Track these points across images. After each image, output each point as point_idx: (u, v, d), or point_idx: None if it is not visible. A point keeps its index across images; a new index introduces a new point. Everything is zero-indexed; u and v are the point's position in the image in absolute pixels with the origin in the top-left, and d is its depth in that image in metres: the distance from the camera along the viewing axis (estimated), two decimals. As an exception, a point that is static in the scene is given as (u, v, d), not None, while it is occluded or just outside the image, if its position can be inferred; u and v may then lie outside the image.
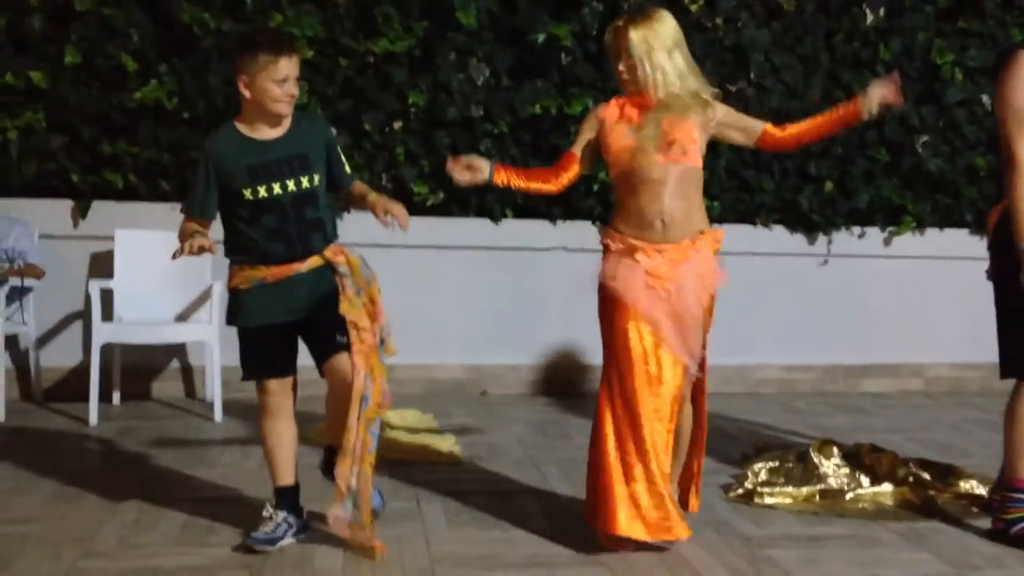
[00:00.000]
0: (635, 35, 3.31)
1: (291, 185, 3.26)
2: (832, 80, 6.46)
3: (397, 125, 5.98)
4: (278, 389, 3.37)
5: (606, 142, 3.42)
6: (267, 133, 3.29)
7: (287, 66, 3.19)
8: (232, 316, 3.39)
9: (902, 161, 6.56)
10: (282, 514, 3.39)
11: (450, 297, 6.19)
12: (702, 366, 3.52)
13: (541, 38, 5.99)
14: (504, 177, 3.42)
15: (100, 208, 5.79)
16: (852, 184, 6.53)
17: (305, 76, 5.73)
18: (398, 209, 3.28)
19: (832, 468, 4.24)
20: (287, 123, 3.32)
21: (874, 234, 6.68)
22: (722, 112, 3.48)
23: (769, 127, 3.52)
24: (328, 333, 3.30)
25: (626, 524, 3.30)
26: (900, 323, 6.65)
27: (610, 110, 3.46)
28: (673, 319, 3.35)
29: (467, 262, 6.21)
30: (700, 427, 3.62)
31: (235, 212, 3.28)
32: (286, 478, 3.44)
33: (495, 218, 6.18)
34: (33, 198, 5.72)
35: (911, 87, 6.53)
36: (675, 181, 3.34)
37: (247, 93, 3.23)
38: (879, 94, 3.41)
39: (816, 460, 4.29)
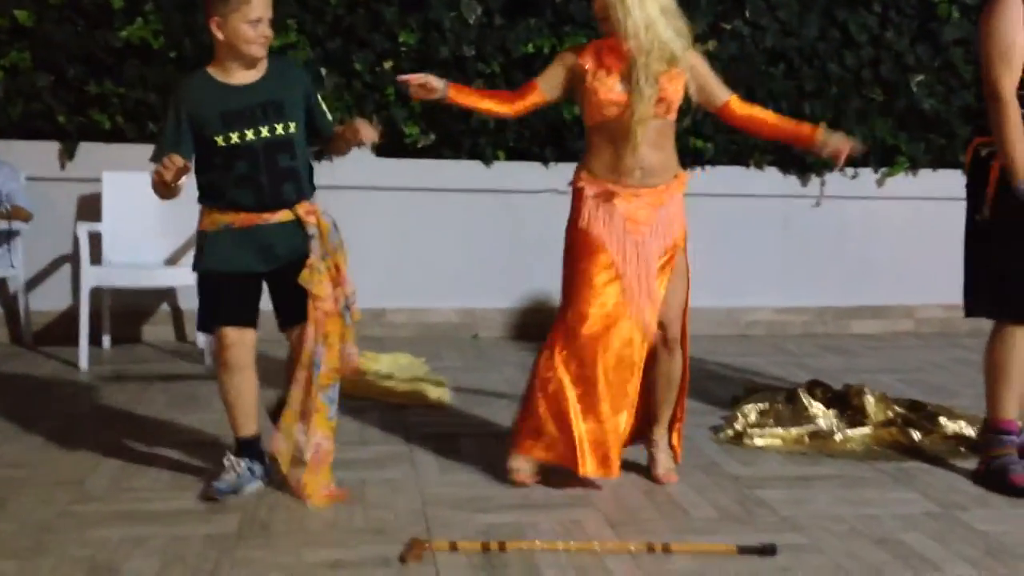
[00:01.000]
0: None
1: (264, 131, 3.19)
2: (828, 18, 6.38)
3: (388, 65, 5.90)
4: (237, 340, 3.28)
5: (590, 91, 3.35)
6: (241, 78, 3.21)
7: (260, 6, 3.11)
8: (197, 261, 3.32)
9: (896, 101, 6.51)
10: (243, 462, 3.36)
11: (442, 240, 6.17)
12: (684, 313, 3.52)
13: (534, -24, 5.90)
14: (459, 95, 3.39)
15: (87, 149, 5.73)
16: (846, 124, 6.45)
17: (294, 15, 5.68)
18: (363, 127, 3.23)
19: (821, 409, 4.26)
20: (262, 67, 3.25)
21: (867, 175, 6.64)
22: (699, 64, 3.45)
23: (734, 100, 3.50)
24: (294, 299, 3.24)
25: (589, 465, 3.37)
26: (891, 264, 6.64)
27: (588, 56, 3.38)
28: (643, 268, 3.35)
29: (458, 205, 6.18)
30: (683, 373, 3.62)
31: (207, 158, 3.22)
32: (248, 429, 3.39)
33: (487, 160, 6.13)
34: (19, 140, 5.66)
35: (907, 25, 6.46)
36: (655, 133, 3.34)
37: (220, 35, 3.15)
38: (835, 145, 3.45)
39: (805, 402, 4.31)
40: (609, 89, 3.31)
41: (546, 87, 3.43)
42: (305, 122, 3.33)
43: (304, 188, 3.32)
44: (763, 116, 3.54)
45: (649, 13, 3.24)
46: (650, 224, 3.37)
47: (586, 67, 3.36)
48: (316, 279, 3.23)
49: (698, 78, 3.45)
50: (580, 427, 3.37)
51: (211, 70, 3.25)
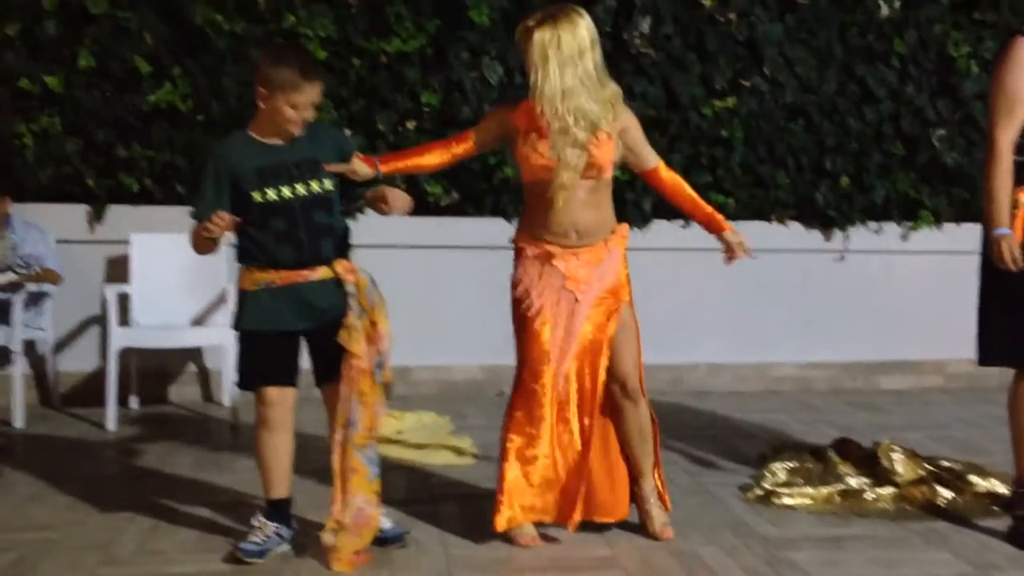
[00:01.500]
0: (536, 38, 3.24)
1: (300, 189, 3.23)
2: (846, 73, 6.42)
3: (410, 125, 5.97)
4: (278, 400, 3.30)
5: (521, 152, 3.36)
6: (278, 139, 3.26)
7: (308, 94, 3.15)
8: (237, 320, 3.34)
9: (918, 155, 6.51)
10: (273, 525, 3.36)
11: (465, 297, 6.18)
12: (639, 363, 3.55)
13: (554, 36, 5.96)
14: (388, 165, 3.43)
15: (115, 212, 5.81)
16: (868, 179, 6.48)
17: (318, 78, 5.75)
18: (394, 200, 3.27)
19: (851, 467, 4.21)
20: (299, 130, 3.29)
21: (891, 229, 6.63)
22: (631, 126, 3.44)
23: (661, 167, 3.54)
24: (331, 357, 3.27)
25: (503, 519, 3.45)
26: (918, 319, 6.60)
27: (521, 115, 3.37)
28: (567, 324, 3.40)
29: (481, 262, 6.19)
30: (652, 420, 3.61)
31: (245, 216, 3.24)
32: (280, 491, 3.39)
33: (509, 217, 6.17)
34: (49, 203, 5.74)
35: (926, 80, 6.48)
36: (588, 194, 3.36)
37: (263, 105, 3.20)
38: (736, 243, 3.61)
39: (834, 460, 4.27)
40: (540, 154, 3.32)
41: (478, 139, 3.48)
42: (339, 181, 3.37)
43: (341, 246, 3.36)
44: (685, 191, 3.58)
45: (567, 82, 3.23)
46: (589, 282, 3.41)
47: (519, 128, 3.37)
48: (354, 337, 3.25)
49: (628, 142, 3.45)
50: (557, 474, 3.45)
51: (250, 130, 3.29)
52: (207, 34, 5.68)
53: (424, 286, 6.08)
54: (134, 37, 5.66)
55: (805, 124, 6.39)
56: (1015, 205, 3.49)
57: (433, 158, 3.52)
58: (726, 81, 6.21)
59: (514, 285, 3.51)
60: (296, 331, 3.32)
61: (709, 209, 3.61)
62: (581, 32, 3.27)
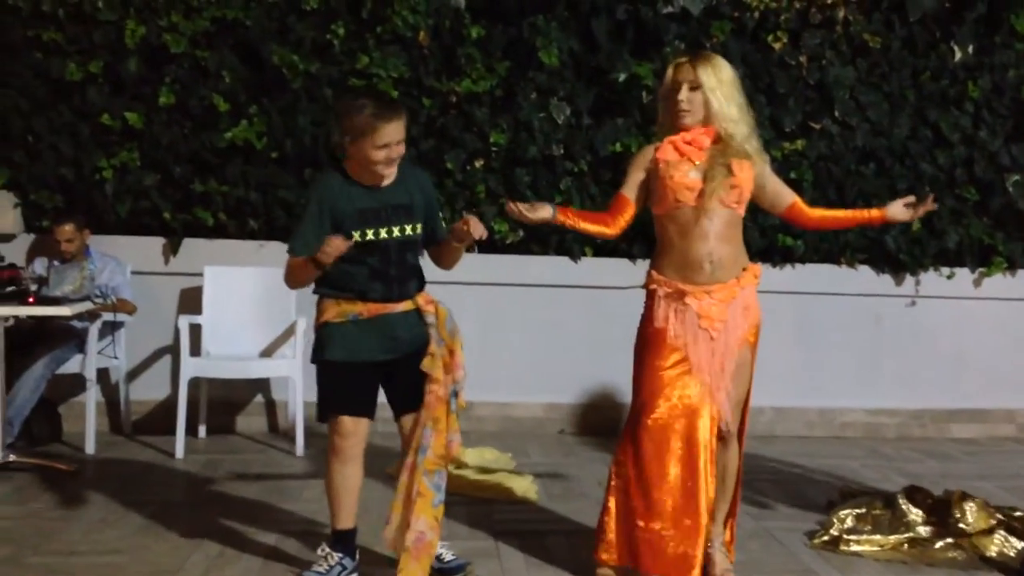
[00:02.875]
0: (703, 68, 3.33)
1: (396, 231, 3.32)
2: (919, 118, 6.35)
3: (478, 164, 6.04)
4: (353, 431, 3.35)
5: (665, 179, 3.37)
6: (373, 181, 3.33)
7: (390, 132, 3.20)
8: (319, 351, 3.38)
9: (992, 200, 6.40)
10: (337, 555, 3.41)
11: (529, 335, 6.20)
12: (745, 406, 3.49)
13: (622, 77, 6.01)
14: (565, 217, 3.43)
15: (190, 245, 5.94)
16: (940, 224, 6.38)
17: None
18: (474, 223, 3.29)
19: (921, 516, 4.12)
20: (394, 172, 3.35)
21: (963, 275, 6.51)
22: (767, 170, 3.49)
23: (799, 201, 3.55)
24: (411, 387, 3.34)
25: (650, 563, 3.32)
26: (990, 366, 6.46)
27: (665, 150, 3.42)
28: (718, 364, 3.35)
29: (547, 300, 6.22)
30: (738, 468, 3.56)
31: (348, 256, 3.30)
32: (347, 522, 3.43)
33: (574, 256, 6.18)
34: (127, 235, 5.90)
35: (1000, 125, 6.39)
36: (724, 225, 3.36)
37: (350, 151, 3.28)
38: (904, 212, 3.50)
39: (904, 507, 4.17)
40: (684, 174, 3.34)
41: (634, 193, 3.49)
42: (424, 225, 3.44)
43: (422, 283, 3.46)
44: (830, 214, 3.65)
45: (741, 101, 3.38)
46: (723, 320, 3.35)
47: (660, 158, 3.40)
48: (436, 364, 3.33)
49: (773, 183, 3.50)
50: (648, 526, 3.32)
51: (348, 170, 3.34)
52: (283, 74, 5.82)
53: (488, 323, 6.11)
54: (212, 76, 5.82)
55: (876, 168, 6.33)
56: None
57: (604, 230, 3.51)
58: (796, 123, 6.18)
59: (646, 320, 3.46)
60: (378, 363, 3.36)
61: (864, 214, 3.59)
62: (731, 67, 3.42)
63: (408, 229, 3.35)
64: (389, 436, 5.73)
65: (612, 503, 3.42)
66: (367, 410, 3.39)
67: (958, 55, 6.32)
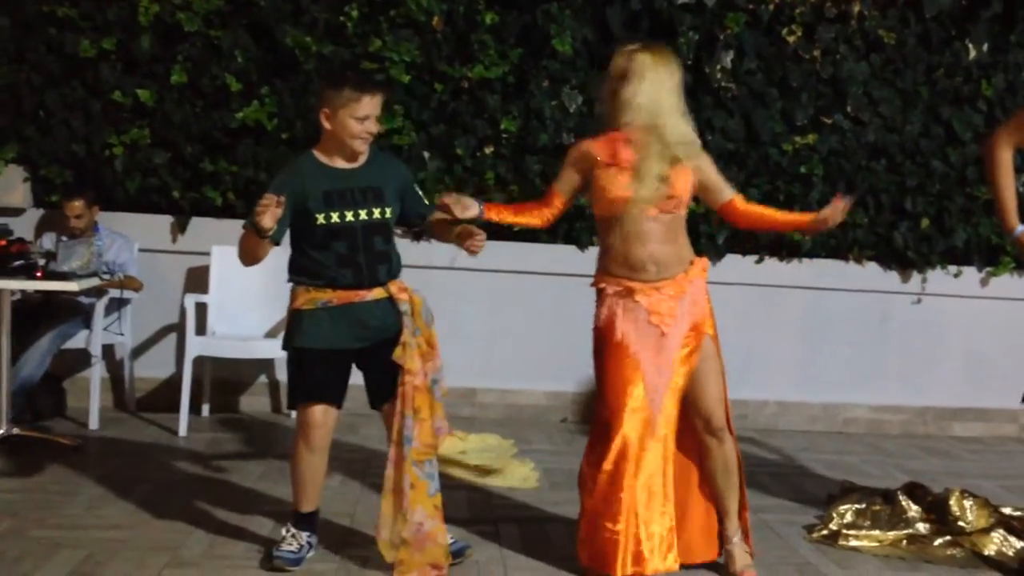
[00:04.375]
0: (639, 57, 3.32)
1: (363, 214, 3.31)
2: (932, 115, 6.33)
3: (488, 150, 6.03)
4: (322, 421, 3.34)
5: (599, 185, 3.37)
6: (344, 164, 3.36)
7: (369, 105, 3.26)
8: (289, 339, 3.39)
9: (1003, 200, 6.38)
10: (304, 535, 3.44)
11: (534, 323, 6.21)
12: (722, 399, 3.47)
13: (635, 67, 5.99)
14: (495, 214, 3.46)
15: (198, 224, 5.95)
16: (950, 222, 6.37)
17: (400, 100, 5.86)
18: (472, 242, 3.34)
19: (920, 513, 4.12)
20: (364, 157, 3.38)
21: (971, 274, 6.50)
22: (706, 164, 3.46)
23: (737, 199, 3.52)
24: (387, 377, 3.33)
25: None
26: (995, 366, 6.45)
27: (600, 148, 3.40)
28: (665, 360, 3.34)
29: (552, 288, 6.22)
30: (737, 458, 3.54)
31: (306, 236, 3.33)
32: (311, 505, 3.46)
33: (582, 245, 6.18)
34: (135, 212, 5.91)
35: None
36: (664, 228, 3.36)
37: (327, 125, 3.30)
38: (828, 216, 3.40)
39: (904, 504, 4.18)
40: (618, 185, 3.32)
41: (565, 191, 3.50)
42: (400, 210, 3.45)
43: (394, 270, 3.43)
44: (765, 214, 3.59)
45: (666, 100, 3.32)
46: (674, 316, 3.36)
47: (598, 159, 3.39)
48: (408, 354, 3.30)
49: (704, 178, 3.46)
50: (617, 526, 3.30)
51: (317, 153, 3.38)
52: (295, 55, 5.82)
53: (493, 310, 6.11)
54: (225, 56, 5.82)
55: (887, 164, 6.31)
56: None
57: (533, 220, 3.55)
58: (807, 118, 6.16)
59: (597, 322, 3.48)
60: (350, 350, 3.36)
61: (793, 217, 3.62)
62: (676, 65, 3.40)
63: (376, 213, 3.33)
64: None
65: (584, 504, 3.43)
66: (336, 399, 3.38)
67: (972, 53, 6.30)
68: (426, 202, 3.57)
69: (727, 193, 3.51)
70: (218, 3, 5.78)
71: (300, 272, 3.37)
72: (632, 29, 6.05)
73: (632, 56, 3.34)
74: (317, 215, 3.28)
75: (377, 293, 3.35)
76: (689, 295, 3.39)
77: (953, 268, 6.47)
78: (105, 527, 3.74)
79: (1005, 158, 3.55)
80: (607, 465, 3.32)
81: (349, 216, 3.30)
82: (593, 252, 6.13)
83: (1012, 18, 6.31)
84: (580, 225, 6.10)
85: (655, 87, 3.30)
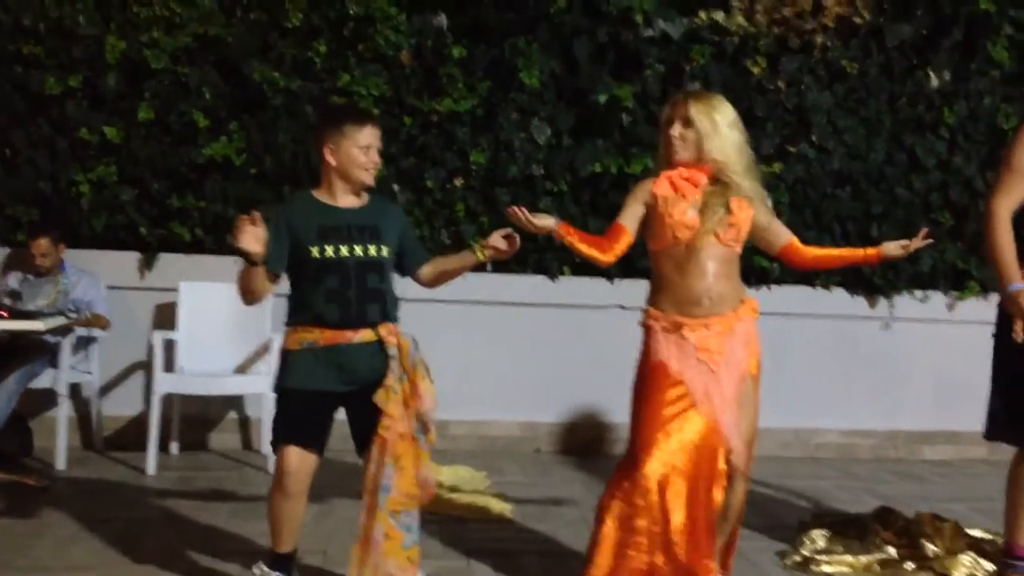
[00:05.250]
0: (697, 106, 3.32)
1: (358, 250, 3.27)
2: (895, 143, 6.42)
3: (458, 182, 6.06)
4: (299, 467, 3.24)
5: (661, 215, 3.35)
6: (344, 202, 3.32)
7: (371, 134, 3.29)
8: (277, 380, 3.36)
9: (966, 225, 6.47)
10: (276, 574, 3.37)
11: (507, 353, 6.21)
12: (751, 442, 3.42)
13: (603, 99, 6.05)
14: (566, 233, 3.36)
15: (166, 260, 5.92)
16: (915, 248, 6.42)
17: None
18: (513, 239, 3.30)
19: (892, 537, 4.14)
20: (364, 198, 3.37)
21: (937, 299, 6.57)
22: (766, 210, 3.48)
23: (795, 241, 3.54)
24: (372, 423, 3.24)
25: None
26: (963, 389, 6.47)
27: (662, 185, 3.40)
28: (719, 396, 3.30)
29: (524, 319, 6.23)
30: (742, 504, 3.52)
31: (299, 271, 3.29)
32: (287, 547, 3.38)
33: (552, 275, 6.20)
34: (102, 249, 5.87)
35: (976, 151, 6.46)
36: (721, 262, 3.34)
37: (332, 161, 3.27)
38: (898, 250, 3.50)
39: (875, 528, 4.20)
40: (682, 212, 3.32)
41: (632, 226, 3.43)
42: (397, 253, 3.41)
43: (388, 312, 3.35)
44: (824, 253, 3.65)
45: (739, 141, 3.36)
46: (722, 352, 3.31)
47: (658, 194, 3.38)
48: (391, 399, 3.23)
49: (771, 224, 3.49)
50: (644, 556, 3.25)
51: (316, 192, 3.36)
52: (263, 91, 5.83)
53: (465, 341, 6.11)
54: (193, 92, 5.82)
55: (852, 191, 6.39)
56: None
57: (600, 255, 3.42)
58: (773, 147, 6.23)
59: (645, 356, 3.40)
60: (335, 393, 3.30)
61: (859, 252, 3.60)
62: (731, 107, 3.40)
63: (372, 250, 3.29)
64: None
65: (602, 535, 3.33)
66: (314, 443, 3.28)
67: (934, 81, 6.40)
68: (425, 250, 3.55)
69: (785, 236, 3.53)
70: (185, 40, 5.79)
71: (292, 311, 3.33)
72: (599, 62, 6.11)
73: (686, 103, 3.34)
74: (311, 248, 3.24)
75: (365, 335, 3.26)
76: (740, 334, 3.35)
77: (920, 293, 6.54)
78: (73, 568, 3.69)
79: (1004, 217, 3.53)
80: (637, 499, 3.24)
81: (344, 251, 3.25)
82: (564, 282, 6.20)
83: (972, 46, 6.42)
84: (551, 255, 6.12)
85: (727, 129, 3.32)
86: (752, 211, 3.38)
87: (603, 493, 3.42)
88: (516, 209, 3.23)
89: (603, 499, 3.41)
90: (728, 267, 3.36)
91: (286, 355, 3.33)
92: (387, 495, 3.21)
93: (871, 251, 3.54)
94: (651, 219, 3.40)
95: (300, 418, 3.27)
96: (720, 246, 3.32)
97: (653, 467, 3.24)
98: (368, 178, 3.31)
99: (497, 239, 3.32)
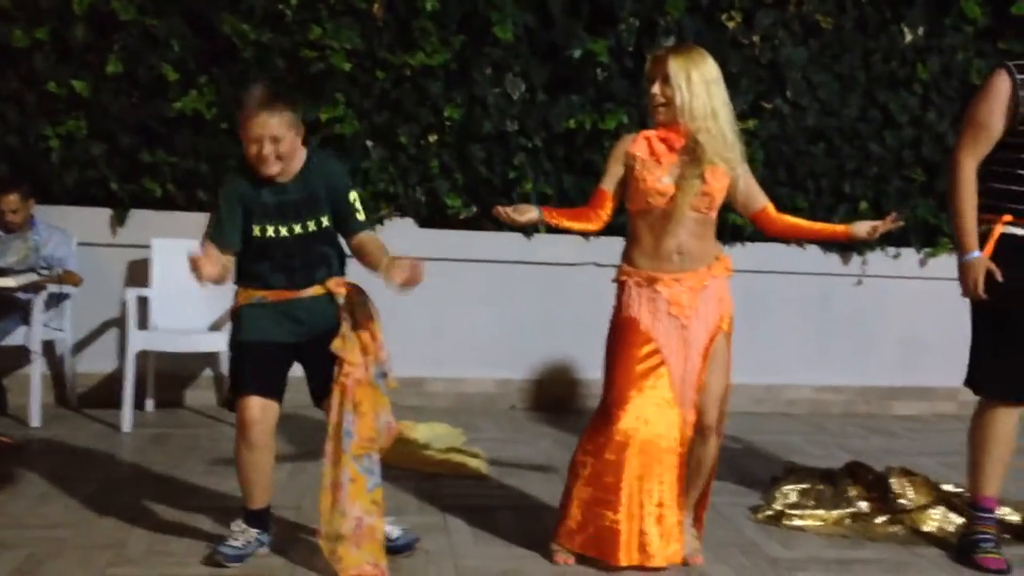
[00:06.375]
0: (675, 62, 3.29)
1: (298, 228, 3.26)
2: (868, 99, 6.43)
3: (432, 138, 6.01)
4: (259, 417, 3.25)
5: (638, 180, 3.36)
6: (281, 177, 3.25)
7: (259, 126, 3.11)
8: (232, 336, 3.37)
9: (938, 182, 6.50)
10: (253, 531, 3.38)
11: (482, 311, 6.21)
12: (723, 399, 3.45)
13: (577, 53, 6.01)
14: (551, 218, 3.40)
15: (138, 216, 5.86)
16: (888, 204, 6.47)
17: (342, 88, 5.81)
18: (413, 272, 3.10)
19: (862, 491, 4.20)
20: (297, 165, 3.27)
21: (909, 255, 6.63)
22: (743, 174, 3.45)
23: (769, 207, 3.51)
24: (326, 370, 3.26)
25: (624, 555, 3.33)
26: (933, 345, 6.58)
27: (639, 145, 3.40)
28: (690, 352, 3.35)
29: (499, 276, 6.23)
30: (715, 460, 3.55)
31: (246, 245, 3.28)
32: (260, 502, 3.39)
33: (527, 233, 6.19)
34: (73, 206, 5.81)
35: (948, 107, 6.48)
36: (695, 225, 3.35)
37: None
38: (867, 231, 3.43)
39: (846, 483, 4.26)
40: (656, 179, 3.32)
41: (612, 189, 3.44)
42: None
43: (335, 271, 3.36)
44: (798, 223, 3.61)
45: (715, 104, 3.30)
46: (693, 307, 3.35)
47: (636, 155, 3.38)
48: (348, 347, 3.26)
49: (749, 189, 3.47)
50: (616, 516, 3.32)
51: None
52: (234, 43, 5.74)
53: (440, 298, 6.10)
54: (162, 45, 5.73)
55: (826, 148, 6.40)
56: (988, 233, 3.56)
57: (589, 226, 3.46)
58: (747, 103, 6.22)
59: (618, 311, 3.43)
60: (287, 344, 3.31)
61: (829, 228, 3.60)
62: (713, 61, 3.36)
63: (311, 225, 3.26)
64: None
65: (576, 491, 3.41)
66: (272, 392, 3.29)
67: (908, 37, 6.40)
68: (359, 217, 3.36)
69: (760, 200, 3.51)
70: (154, -10, 5.69)
71: (239, 275, 3.34)
72: (573, 15, 6.06)
73: (665, 60, 3.31)
74: (254, 227, 3.24)
75: (314, 291, 3.30)
76: (712, 290, 3.38)
77: (892, 250, 6.58)
78: (47, 526, 3.68)
79: (968, 175, 3.54)
80: (609, 455, 3.31)
81: (283, 231, 3.24)
82: (538, 240, 6.19)
83: (946, 2, 6.42)
84: (525, 212, 6.10)
85: (704, 89, 3.28)
86: (727, 179, 3.37)
87: (576, 449, 3.47)
88: (500, 209, 3.27)
89: (576, 455, 3.46)
90: (702, 228, 3.38)
91: (237, 312, 3.34)
92: (350, 440, 3.24)
93: (840, 228, 3.53)
94: (628, 179, 3.41)
95: (256, 369, 3.28)
96: (692, 212, 3.33)
97: (627, 423, 3.30)
98: (264, 170, 3.17)
99: (401, 270, 3.08)
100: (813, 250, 6.50)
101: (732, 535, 3.86)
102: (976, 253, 3.53)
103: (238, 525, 3.39)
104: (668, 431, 3.34)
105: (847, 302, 6.59)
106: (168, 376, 5.86)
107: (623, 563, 3.32)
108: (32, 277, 5.17)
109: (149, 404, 5.72)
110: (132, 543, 3.52)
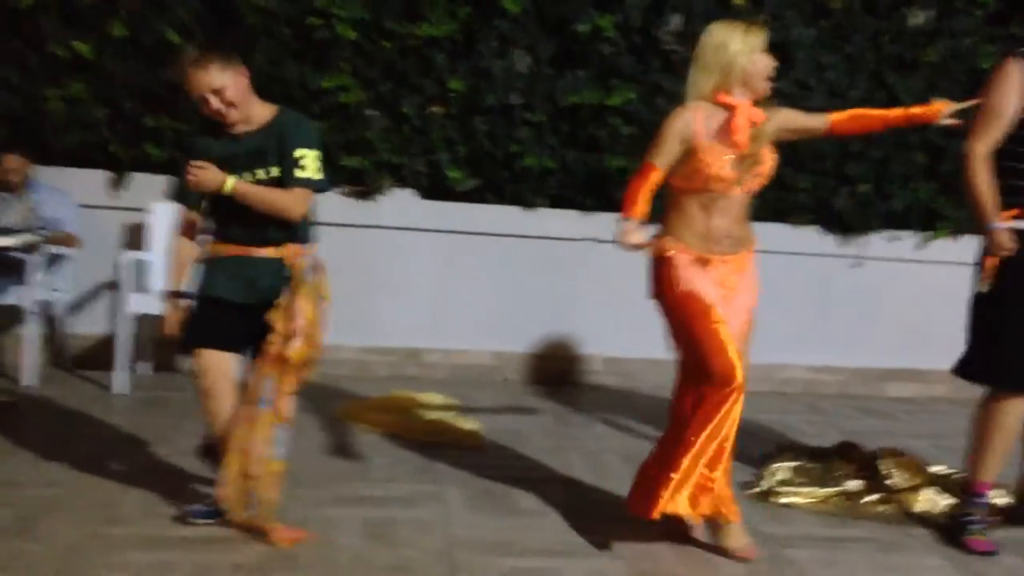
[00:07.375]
0: (761, 34, 3.30)
1: (246, 176, 3.29)
2: (876, 81, 6.40)
3: (436, 109, 5.99)
4: (212, 365, 3.31)
5: (702, 163, 3.27)
6: (239, 128, 3.33)
7: (199, 82, 3.22)
8: (195, 288, 3.43)
9: (940, 165, 6.49)
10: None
11: (481, 284, 6.22)
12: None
13: (584, 28, 5.98)
14: (640, 215, 3.33)
15: (138, 180, 5.86)
16: (888, 187, 6.47)
17: (347, 58, 5.79)
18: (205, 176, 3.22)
19: (852, 470, 4.22)
20: (261, 120, 3.34)
21: (909, 238, 6.62)
22: (788, 116, 3.46)
23: (833, 119, 3.50)
24: (264, 336, 3.30)
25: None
26: (930, 328, 6.57)
27: (700, 123, 3.30)
28: (737, 330, 3.39)
29: (498, 249, 6.23)
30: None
31: (207, 196, 3.35)
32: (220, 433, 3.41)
33: (527, 205, 6.18)
34: (73, 167, 5.80)
35: (953, 91, 6.44)
36: (742, 207, 3.37)
37: None
38: (949, 115, 3.47)
39: (837, 462, 4.28)
40: (722, 166, 3.27)
41: (663, 164, 3.32)
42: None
43: (292, 232, 3.37)
44: (869, 115, 3.56)
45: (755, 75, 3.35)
46: (737, 289, 3.39)
47: (699, 133, 3.29)
48: (280, 317, 3.30)
49: (793, 127, 3.48)
50: (714, 473, 3.38)
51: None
52: (239, 10, 5.71)
53: (439, 270, 6.11)
54: (167, 9, 5.70)
55: (830, 129, 6.37)
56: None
57: (647, 206, 3.36)
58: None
59: (670, 286, 3.37)
60: (240, 305, 3.34)
61: (906, 113, 3.53)
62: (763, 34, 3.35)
63: (261, 174, 3.30)
64: (332, 377, 5.74)
65: (693, 445, 3.35)
66: (225, 344, 3.35)
67: (917, 19, 6.36)
68: (298, 174, 3.29)
69: (822, 121, 3.50)
70: (160, -46, 5.66)
71: (207, 230, 3.44)
72: (581, -11, 6.02)
73: (759, 29, 3.31)
74: None
75: (269, 251, 3.34)
76: (747, 272, 3.42)
77: (891, 232, 6.57)
78: (42, 485, 3.70)
79: (983, 158, 3.56)
80: (735, 411, 3.40)
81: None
82: (538, 213, 6.18)
83: (956, -15, 6.38)
84: (526, 187, 6.10)
85: (747, 58, 3.28)
86: (774, 156, 3.38)
87: (690, 418, 3.38)
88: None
89: (693, 441, 3.36)
90: (744, 210, 3.40)
91: (199, 266, 3.44)
92: (267, 408, 3.28)
93: (916, 111, 3.50)
94: (685, 159, 3.31)
95: (207, 323, 3.36)
96: (744, 194, 3.35)
97: (742, 374, 3.34)
98: (226, 121, 3.28)
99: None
100: (812, 231, 6.50)
101: (723, 511, 3.87)
102: (1000, 224, 3.54)
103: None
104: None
105: (845, 283, 6.59)
106: (163, 340, 5.84)
107: (736, 520, 3.42)
108: (29, 238, 5.17)
109: (143, 367, 5.73)
110: (126, 503, 3.55)
